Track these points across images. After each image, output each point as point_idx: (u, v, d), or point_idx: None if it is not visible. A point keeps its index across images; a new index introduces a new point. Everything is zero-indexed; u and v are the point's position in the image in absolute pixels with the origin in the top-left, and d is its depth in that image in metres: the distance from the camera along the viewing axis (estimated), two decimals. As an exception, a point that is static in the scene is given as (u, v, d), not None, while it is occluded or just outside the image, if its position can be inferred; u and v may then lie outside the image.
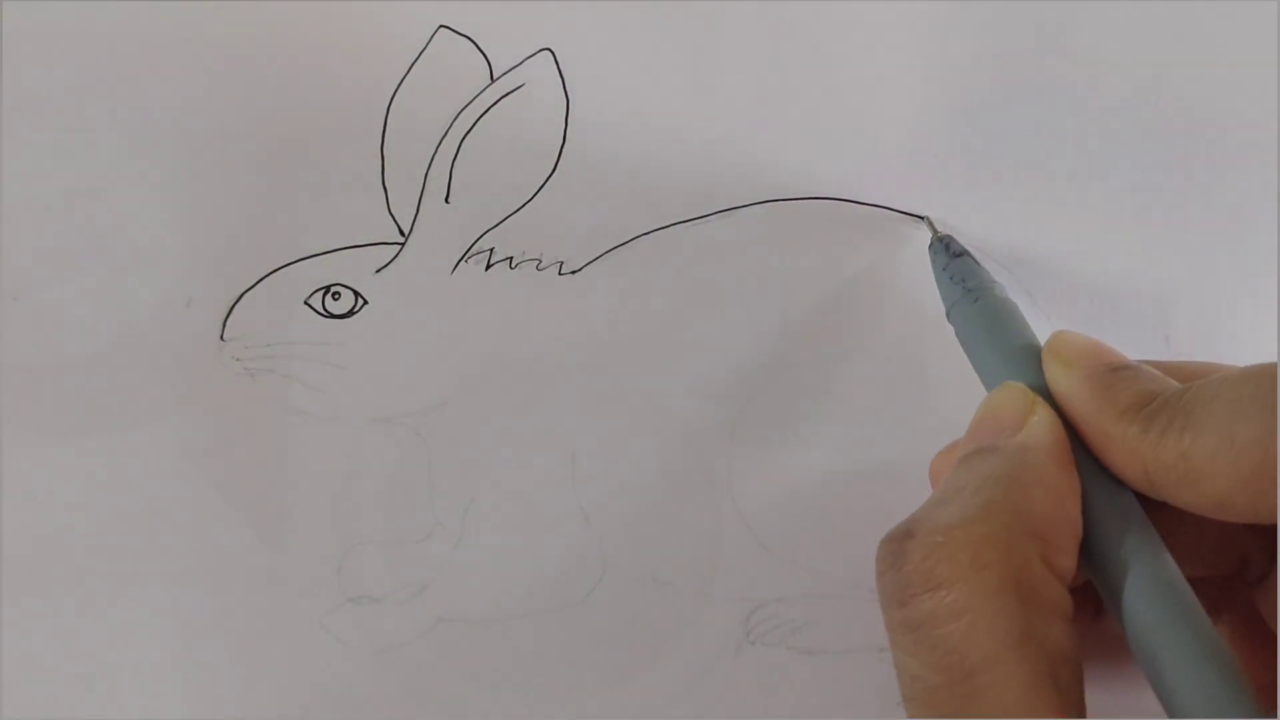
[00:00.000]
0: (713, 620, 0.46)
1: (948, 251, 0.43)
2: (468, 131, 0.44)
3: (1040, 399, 0.37)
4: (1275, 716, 0.34)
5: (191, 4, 0.43)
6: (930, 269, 0.44)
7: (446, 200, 0.44)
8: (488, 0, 0.43)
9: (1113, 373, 0.37)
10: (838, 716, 0.46)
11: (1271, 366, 0.33)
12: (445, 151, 0.44)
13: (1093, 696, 0.34)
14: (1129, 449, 0.35)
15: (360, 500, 0.45)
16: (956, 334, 0.42)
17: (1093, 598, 0.39)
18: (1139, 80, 0.46)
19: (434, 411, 0.45)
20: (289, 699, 0.45)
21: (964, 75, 0.45)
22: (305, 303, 0.44)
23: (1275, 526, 0.33)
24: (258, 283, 0.44)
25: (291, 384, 0.44)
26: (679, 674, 0.46)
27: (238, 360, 0.44)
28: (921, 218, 0.45)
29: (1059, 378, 0.38)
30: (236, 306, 0.44)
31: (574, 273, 0.45)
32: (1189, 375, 0.36)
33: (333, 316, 0.44)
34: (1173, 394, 0.35)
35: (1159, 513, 0.36)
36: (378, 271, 0.44)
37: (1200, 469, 0.33)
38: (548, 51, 0.44)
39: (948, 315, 0.42)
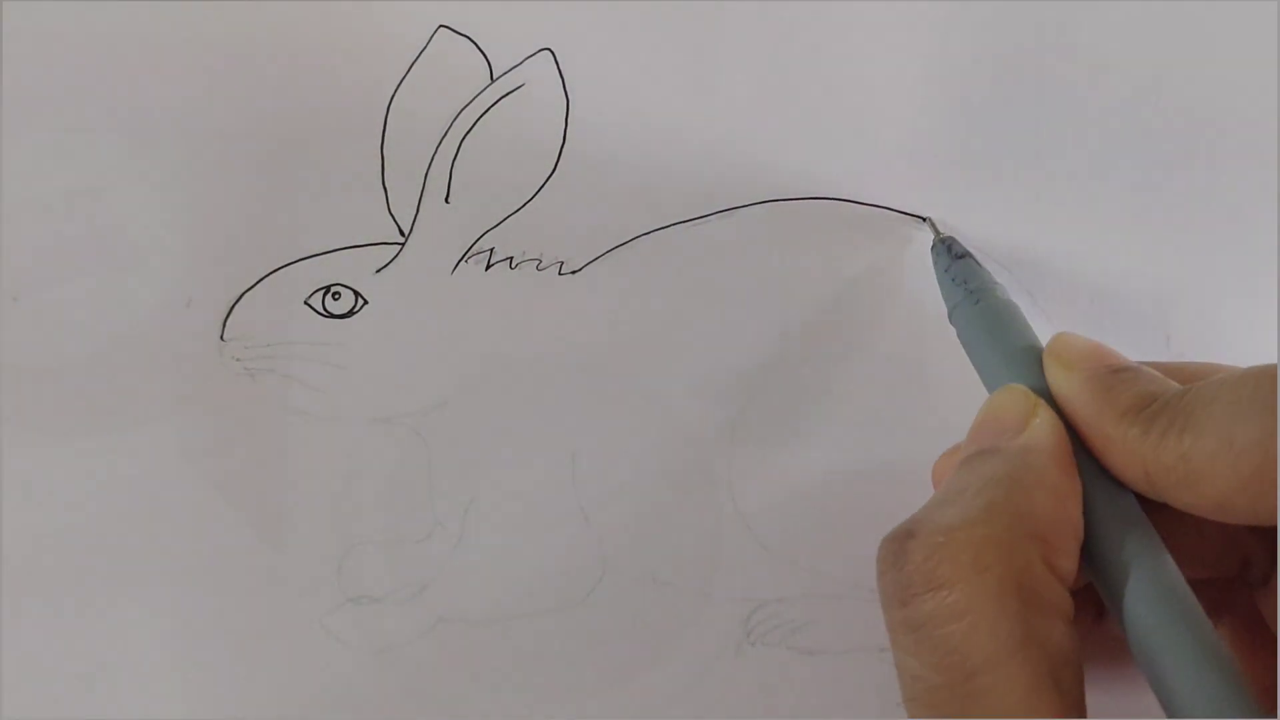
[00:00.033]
0: (713, 620, 0.46)
1: (950, 253, 0.43)
2: (468, 131, 0.44)
3: (1042, 401, 0.37)
4: (1275, 718, 0.34)
5: (191, 4, 0.42)
6: (932, 270, 0.44)
7: (446, 200, 0.44)
8: (488, 0, 0.43)
9: (1113, 374, 0.37)
10: (838, 716, 0.46)
11: (1271, 368, 0.33)
12: (445, 151, 0.44)
13: (1094, 698, 0.34)
14: (1129, 451, 0.35)
15: (360, 500, 0.45)
16: (958, 335, 0.42)
17: (1094, 600, 0.39)
18: (1139, 80, 0.46)
19: (434, 411, 0.45)
20: (289, 699, 0.45)
21: (964, 75, 0.45)
22: (305, 303, 0.44)
23: (1275, 528, 0.33)
24: (258, 283, 0.44)
25: (291, 384, 0.44)
26: (679, 674, 0.46)
27: (238, 360, 0.44)
28: (924, 219, 0.45)
29: (1060, 380, 0.38)
30: (236, 306, 0.44)
31: (574, 273, 0.45)
32: (1190, 376, 0.36)
33: (333, 316, 0.44)
34: (1173, 396, 0.35)
35: (1160, 514, 0.36)
36: (378, 271, 0.44)
37: (1200, 470, 0.33)
38: (548, 51, 0.44)
39: (950, 317, 0.42)
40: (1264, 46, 0.46)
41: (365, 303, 0.44)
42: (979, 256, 0.43)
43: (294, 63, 0.43)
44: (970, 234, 0.45)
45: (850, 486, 0.46)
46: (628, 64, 0.44)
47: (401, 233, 0.44)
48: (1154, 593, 0.34)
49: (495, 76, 0.44)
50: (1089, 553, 0.35)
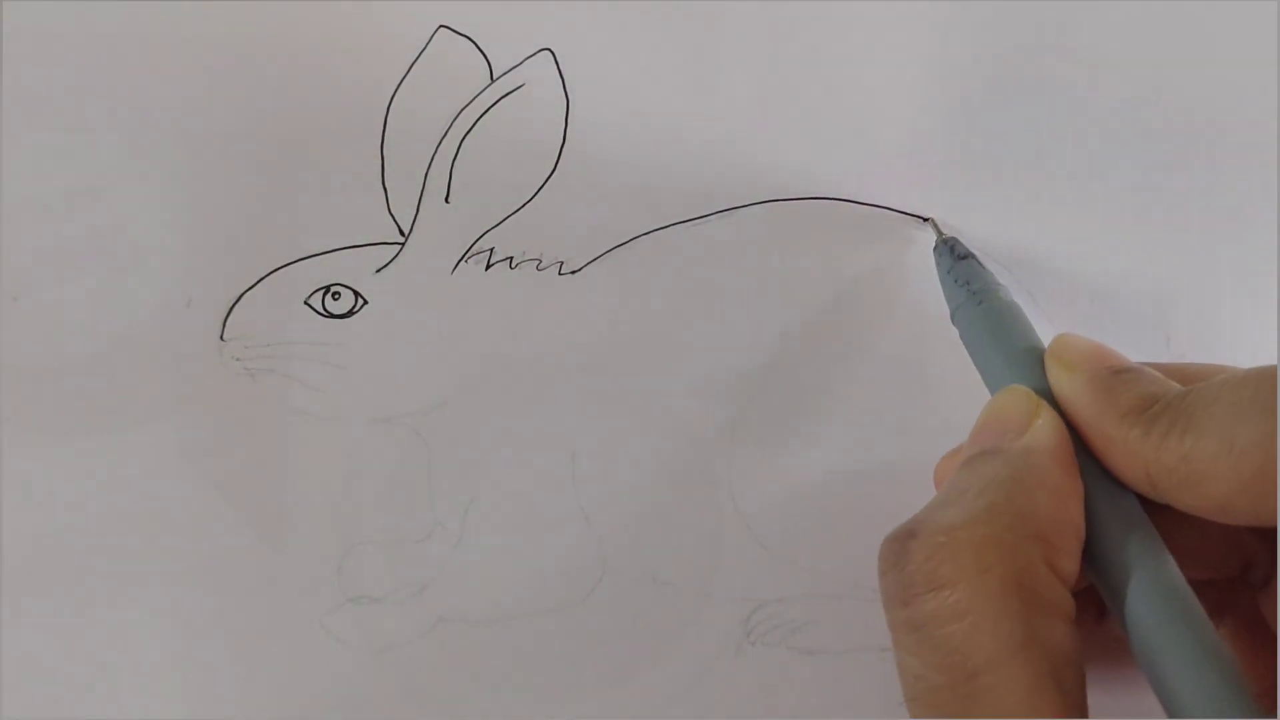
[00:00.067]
0: (713, 620, 0.46)
1: (952, 254, 0.43)
2: (468, 131, 0.44)
3: (1044, 402, 0.37)
4: (1275, 718, 0.34)
5: (191, 4, 0.42)
6: (933, 270, 0.44)
7: (446, 200, 0.44)
8: (488, 0, 0.43)
9: (1115, 375, 0.37)
10: (838, 716, 0.46)
11: (1272, 369, 0.33)
12: (445, 151, 0.44)
13: (1095, 699, 0.34)
14: (1131, 452, 0.35)
15: (360, 500, 0.45)
16: (961, 336, 0.42)
17: (1095, 600, 0.39)
18: (1139, 80, 0.46)
19: (434, 411, 0.45)
20: (289, 699, 0.45)
21: (964, 75, 0.45)
22: (305, 303, 0.44)
23: (1276, 529, 0.33)
24: (258, 283, 0.44)
25: (291, 384, 0.44)
26: (679, 674, 0.46)
27: (238, 360, 0.44)
28: (926, 219, 0.45)
29: (1061, 381, 0.38)
30: (236, 306, 0.44)
31: (574, 273, 0.45)
32: (1191, 377, 0.36)
33: (333, 316, 0.44)
34: (1174, 397, 0.35)
35: (1161, 515, 0.36)
36: (378, 271, 0.44)
37: (1202, 472, 0.33)
38: (548, 51, 0.44)
39: (952, 317, 0.42)
40: (1264, 46, 0.46)
41: (365, 303, 0.44)
42: (980, 257, 0.43)
43: (294, 63, 0.43)
44: (970, 234, 0.45)
45: (850, 487, 0.46)
46: (628, 64, 0.44)
47: (401, 233, 0.44)
48: (1155, 594, 0.34)
49: (495, 76, 0.44)
50: (1090, 554, 0.35)
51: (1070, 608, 0.34)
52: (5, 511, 0.43)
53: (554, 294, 0.45)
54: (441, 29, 0.43)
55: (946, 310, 0.43)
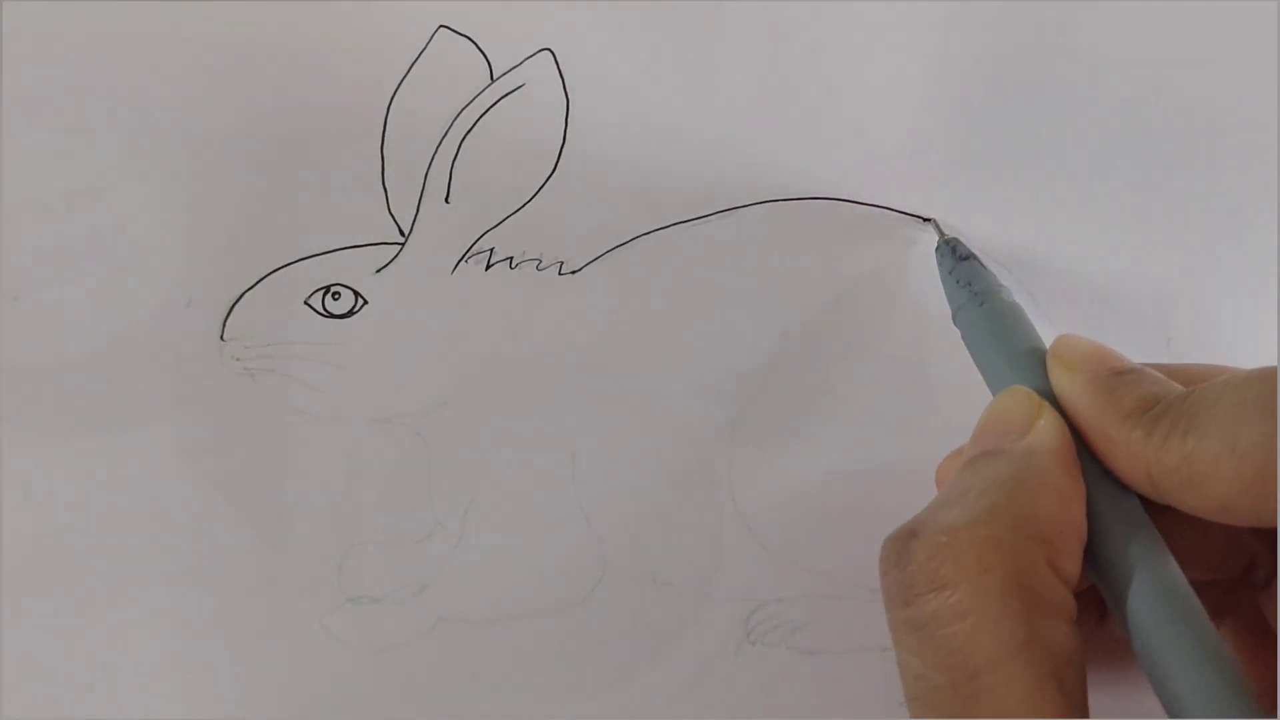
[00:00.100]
0: (713, 620, 0.46)
1: (954, 254, 0.43)
2: (468, 131, 0.44)
3: (1046, 403, 0.37)
4: (1276, 718, 0.34)
5: (191, 4, 0.42)
6: (934, 271, 0.44)
7: (446, 200, 0.44)
8: (488, 0, 0.43)
9: (1116, 376, 0.37)
10: (838, 716, 0.46)
11: (1274, 370, 0.33)
12: (445, 151, 0.44)
13: (1096, 699, 0.34)
14: (1133, 453, 0.35)
15: (360, 500, 0.45)
16: (963, 337, 0.42)
17: (1096, 601, 0.39)
18: (1139, 80, 0.46)
19: (434, 411, 0.45)
20: (289, 699, 0.45)
21: (964, 75, 0.45)
22: (305, 303, 0.44)
23: (1277, 530, 0.33)
24: (258, 283, 0.44)
25: (291, 384, 0.44)
26: (679, 674, 0.46)
27: (238, 360, 0.44)
28: (928, 220, 0.45)
29: (1063, 382, 0.38)
30: (236, 306, 0.44)
31: (574, 273, 0.45)
32: (1193, 378, 0.36)
33: (333, 316, 0.44)
34: (1176, 398, 0.35)
35: (1163, 516, 0.36)
36: (378, 271, 0.44)
37: (1203, 473, 0.33)
38: (548, 51, 0.44)
39: (954, 318, 0.42)
40: (1264, 46, 0.46)
41: (365, 303, 0.44)
42: (981, 258, 0.43)
43: (294, 63, 0.43)
44: (970, 234, 0.45)
45: (851, 487, 0.46)
46: (628, 64, 0.44)
47: (401, 233, 0.44)
48: (1156, 594, 0.34)
49: (495, 76, 0.44)
50: (1092, 554, 0.36)
51: (1072, 608, 0.34)
52: (5, 511, 0.43)
53: (554, 294, 0.45)
54: (441, 29, 0.43)
55: (947, 310, 0.43)
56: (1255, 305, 0.47)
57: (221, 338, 0.44)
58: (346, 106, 0.43)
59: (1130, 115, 0.46)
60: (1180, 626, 0.33)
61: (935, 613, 0.33)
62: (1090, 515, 0.36)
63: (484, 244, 0.44)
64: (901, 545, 0.34)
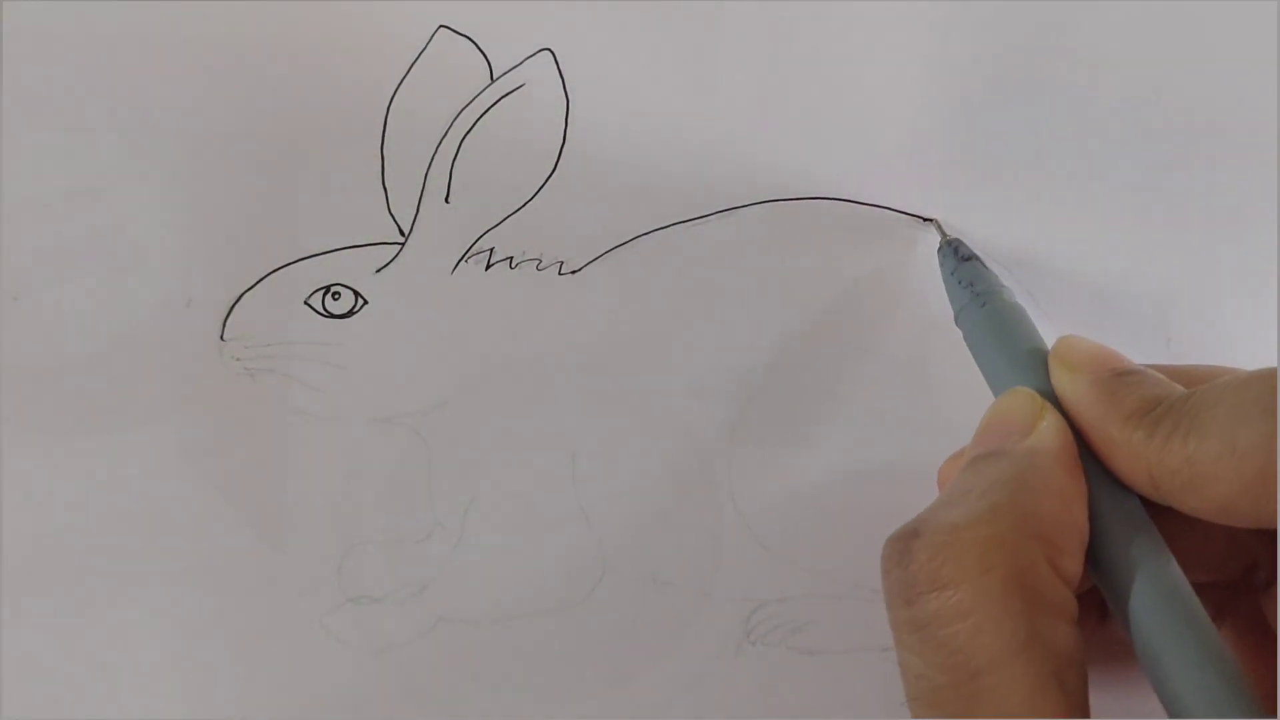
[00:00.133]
0: (713, 620, 0.46)
1: (956, 255, 0.43)
2: (468, 131, 0.44)
3: (1049, 405, 0.37)
4: (1275, 718, 0.34)
5: (191, 4, 0.42)
6: (934, 271, 0.44)
7: (446, 200, 0.44)
8: (488, 0, 0.43)
9: (1118, 378, 0.37)
10: (838, 716, 0.46)
11: (1274, 371, 0.33)
12: (445, 151, 0.44)
13: (1097, 700, 0.34)
14: (1134, 454, 0.35)
15: (360, 500, 0.45)
16: (965, 337, 0.42)
17: (1097, 602, 0.39)
18: (1139, 80, 0.46)
19: (434, 411, 0.45)
20: (289, 699, 0.45)
21: (964, 75, 0.45)
22: (305, 303, 0.44)
23: (1277, 532, 0.33)
24: (258, 283, 0.44)
25: (291, 384, 0.44)
26: (679, 674, 0.46)
27: (238, 360, 0.44)
28: (930, 220, 0.45)
29: (1065, 383, 0.38)
30: (236, 306, 0.44)
31: (574, 273, 0.45)
32: (1195, 379, 0.36)
33: (333, 316, 0.44)
34: (1177, 399, 0.35)
35: (1164, 518, 0.36)
36: (378, 271, 0.44)
37: (1204, 474, 0.33)
38: (548, 51, 0.44)
39: (956, 319, 0.42)
40: (1264, 46, 0.46)
41: (365, 303, 0.44)
42: (982, 258, 0.43)
43: (294, 63, 0.43)
44: (970, 234, 0.45)
45: (851, 487, 0.46)
46: (628, 64, 0.44)
47: (401, 233, 0.44)
48: (1158, 596, 0.34)
49: (495, 76, 0.44)
50: (1093, 555, 0.36)
51: (1073, 609, 0.34)
52: (5, 511, 0.43)
53: (554, 294, 0.45)
54: (441, 29, 0.43)
55: (946, 310, 0.43)
56: (1255, 305, 0.47)
57: (221, 338, 0.44)
58: (346, 106, 0.43)
59: (1130, 115, 0.46)
60: (1181, 627, 0.33)
61: (937, 612, 0.33)
62: (1092, 516, 0.36)
63: (484, 244, 0.44)
64: (903, 544, 0.34)
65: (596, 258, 0.45)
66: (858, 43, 0.45)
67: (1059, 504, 0.35)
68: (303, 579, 0.45)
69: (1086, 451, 0.37)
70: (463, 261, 0.45)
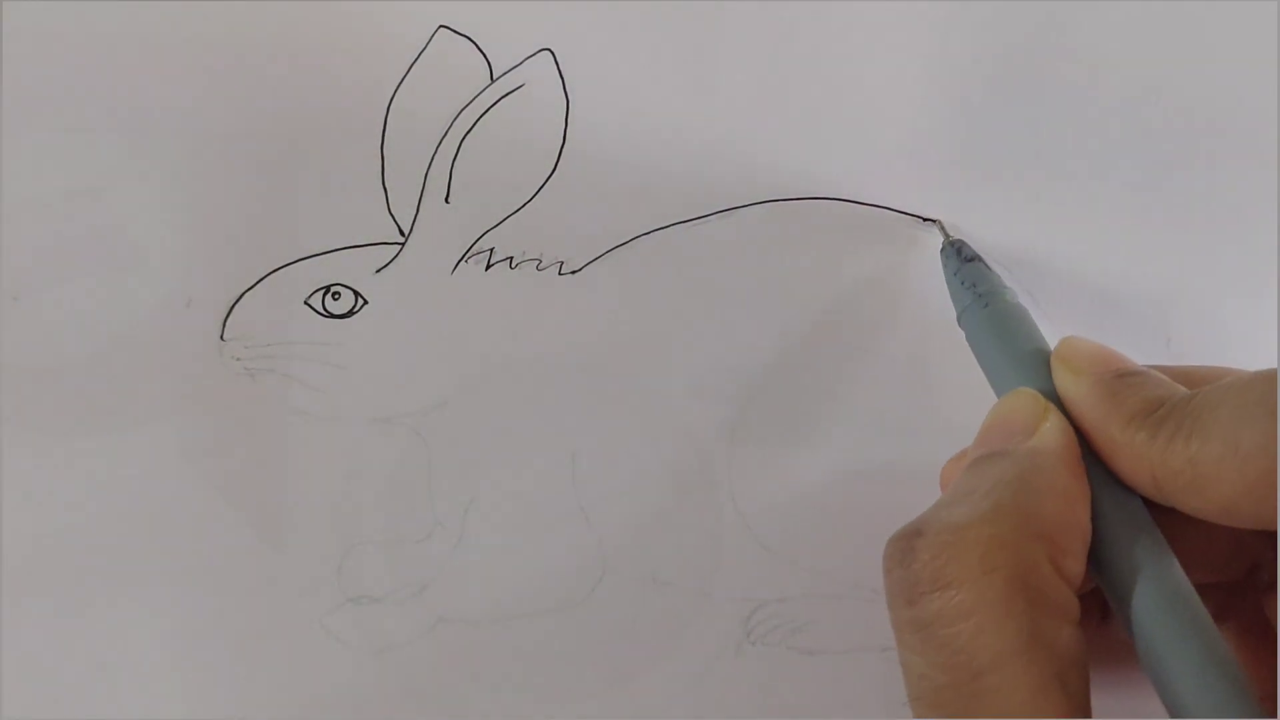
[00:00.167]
0: (713, 620, 0.46)
1: (959, 256, 0.43)
2: (468, 131, 0.44)
3: (1052, 405, 0.37)
4: (1275, 718, 0.34)
5: (191, 4, 0.42)
6: (934, 271, 0.44)
7: (446, 200, 0.44)
8: (488, 0, 0.43)
9: (1120, 379, 0.37)
10: (838, 716, 0.46)
11: (1277, 372, 0.33)
12: (445, 151, 0.44)
13: (1099, 701, 0.34)
14: (1137, 455, 0.35)
15: (360, 500, 0.45)
16: (967, 338, 0.42)
17: (1099, 603, 0.39)
18: (1139, 80, 0.46)
19: (434, 411, 0.45)
20: (289, 699, 0.45)
21: (964, 75, 0.45)
22: (305, 303, 0.44)
23: (1278, 533, 0.33)
24: (258, 283, 0.44)
25: (291, 384, 0.44)
26: (679, 674, 0.46)
27: (238, 360, 0.44)
28: (934, 221, 0.45)
29: (1067, 384, 0.38)
30: (236, 306, 0.44)
31: (574, 273, 0.45)
32: (1197, 380, 0.36)
33: (333, 316, 0.44)
34: (1180, 400, 0.35)
35: (1167, 518, 0.36)
36: (378, 271, 0.44)
37: (1207, 475, 0.33)
38: (548, 51, 0.44)
39: (959, 320, 0.42)
40: (1264, 46, 0.46)
41: (365, 303, 0.44)
42: (984, 258, 0.43)
43: (294, 63, 0.43)
44: (970, 234, 0.45)
45: (851, 487, 0.46)
46: (628, 64, 0.44)
47: (401, 233, 0.44)
48: (1160, 596, 0.34)
49: (495, 76, 0.44)
50: (1096, 556, 0.36)
51: (1075, 609, 0.34)
52: (5, 511, 0.43)
53: (554, 294, 0.45)
54: (441, 29, 0.43)
55: (946, 310, 0.43)
56: (1255, 305, 0.47)
57: (221, 338, 0.44)
58: (346, 106, 0.43)
59: (1130, 115, 0.46)
60: (1183, 629, 0.33)
61: (939, 612, 0.33)
62: (1094, 517, 0.36)
63: (484, 244, 0.44)
64: (906, 544, 0.34)
65: (596, 258, 0.45)
66: (858, 43, 0.45)
67: (1062, 504, 0.35)
68: (303, 579, 0.45)
69: (1089, 452, 0.37)
70: (463, 261, 0.45)
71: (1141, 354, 0.39)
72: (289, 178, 0.44)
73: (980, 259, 0.43)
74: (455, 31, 0.43)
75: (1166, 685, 0.33)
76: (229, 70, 0.43)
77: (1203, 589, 0.35)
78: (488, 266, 0.45)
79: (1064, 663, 0.32)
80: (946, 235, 0.45)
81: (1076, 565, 0.34)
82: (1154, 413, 0.35)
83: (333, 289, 0.44)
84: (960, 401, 0.43)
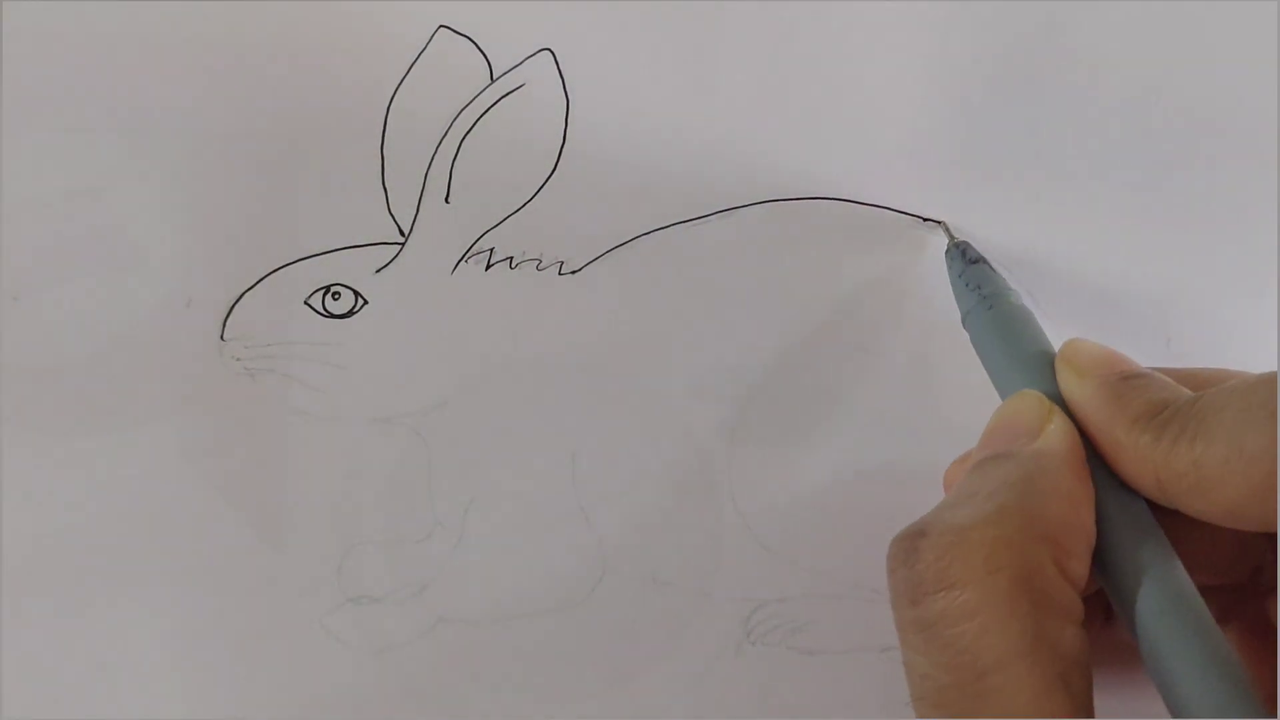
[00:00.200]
0: (713, 620, 0.46)
1: (964, 258, 0.43)
2: (468, 131, 0.44)
3: (1056, 407, 0.37)
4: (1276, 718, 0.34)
5: (191, 4, 0.42)
6: (934, 272, 0.44)
7: (446, 200, 0.44)
8: (488, 0, 0.43)
9: (1125, 381, 0.37)
10: (838, 716, 0.47)
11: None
12: (445, 151, 0.44)
13: (1102, 702, 0.34)
14: (1141, 457, 0.35)
15: (360, 500, 0.45)
16: (971, 340, 0.42)
17: (1102, 604, 0.39)
18: (1139, 80, 0.46)
19: (434, 411, 0.45)
20: (289, 699, 0.45)
21: (964, 75, 0.45)
22: (305, 303, 0.44)
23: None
24: (258, 283, 0.44)
25: (291, 384, 0.44)
26: (679, 674, 0.46)
27: (238, 360, 0.44)
28: (939, 222, 0.45)
29: (1072, 386, 0.38)
30: (236, 306, 0.44)
31: (574, 273, 0.45)
32: (1201, 382, 0.36)
33: (333, 316, 0.44)
34: (1184, 402, 0.35)
35: (1171, 521, 0.36)
36: (378, 271, 0.44)
37: (1211, 477, 0.33)
38: (548, 51, 0.44)
39: (963, 321, 0.42)
40: (1264, 46, 0.46)
41: (365, 303, 0.44)
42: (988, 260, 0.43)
43: (294, 63, 0.43)
44: (970, 234, 0.45)
45: (851, 487, 0.46)
46: (628, 64, 0.44)
47: (401, 233, 0.44)
48: (1164, 598, 0.34)
49: (495, 76, 0.44)
50: (1100, 558, 0.36)
51: (1079, 611, 0.34)
52: (5, 511, 0.43)
53: (554, 294, 0.45)
54: (441, 29, 0.43)
55: (948, 311, 0.43)
56: (1255, 305, 0.47)
57: (221, 338, 0.44)
58: (346, 106, 0.43)
59: (1130, 115, 0.46)
60: (1187, 630, 0.33)
61: (943, 612, 0.33)
62: (1098, 519, 0.36)
63: (484, 244, 0.44)
64: (910, 544, 0.34)
65: (596, 258, 0.45)
66: (858, 43, 0.45)
67: (1066, 506, 0.35)
68: (303, 579, 0.45)
69: (1093, 455, 0.37)
70: (463, 261, 0.44)
71: (1141, 354, 0.39)
72: (289, 178, 0.43)
73: (985, 260, 0.43)
74: (455, 31, 0.43)
75: (1169, 686, 0.33)
76: (229, 70, 0.43)
77: (1206, 591, 0.35)
78: (488, 266, 0.45)
79: (1067, 664, 0.32)
80: (952, 237, 0.45)
81: (1080, 567, 0.35)
82: (1158, 415, 0.35)
83: (333, 289, 0.44)
84: (961, 402, 0.43)
